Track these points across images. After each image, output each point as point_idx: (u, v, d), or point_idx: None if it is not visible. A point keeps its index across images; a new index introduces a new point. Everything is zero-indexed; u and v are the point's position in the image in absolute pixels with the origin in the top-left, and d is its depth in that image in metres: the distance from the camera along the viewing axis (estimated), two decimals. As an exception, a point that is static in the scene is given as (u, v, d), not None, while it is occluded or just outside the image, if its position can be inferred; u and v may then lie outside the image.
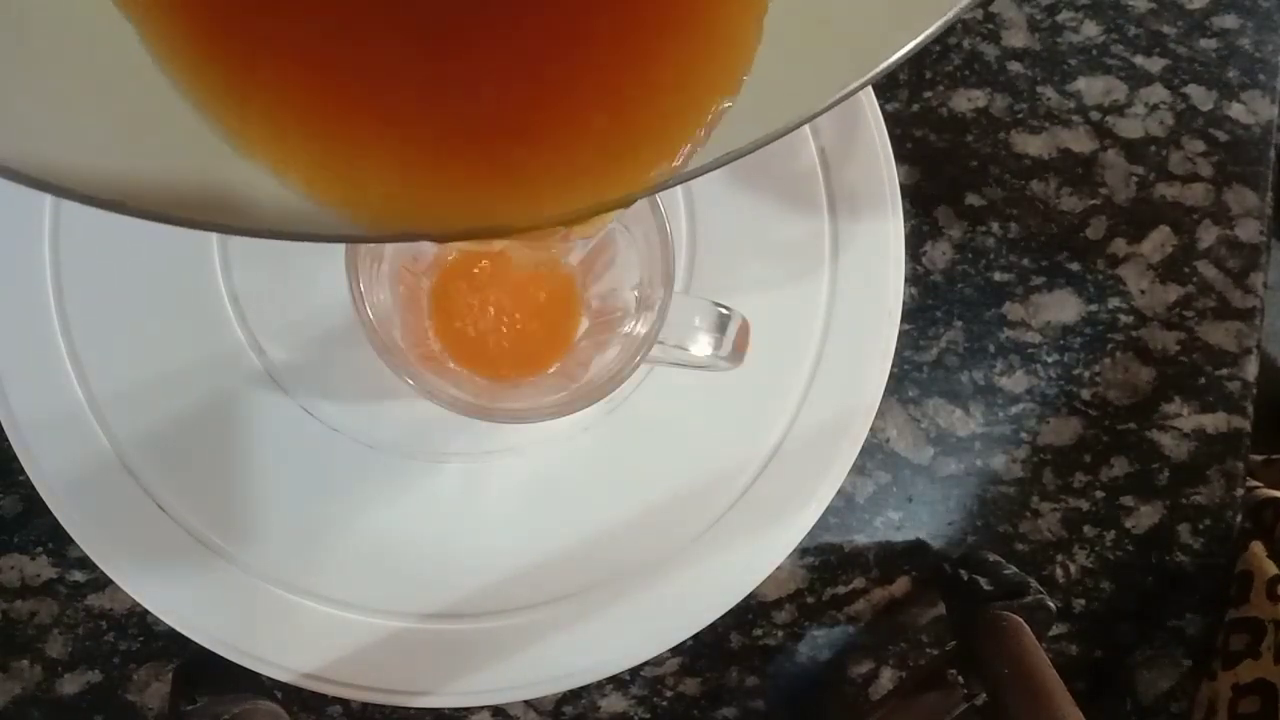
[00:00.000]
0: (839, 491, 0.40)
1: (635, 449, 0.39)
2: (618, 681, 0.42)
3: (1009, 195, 0.45)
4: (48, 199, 0.37)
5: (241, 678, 0.38)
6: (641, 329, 0.32)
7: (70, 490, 0.37)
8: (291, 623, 0.37)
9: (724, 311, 0.33)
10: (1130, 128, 0.46)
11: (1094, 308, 0.45)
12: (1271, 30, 0.46)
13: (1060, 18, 0.46)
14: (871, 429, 0.40)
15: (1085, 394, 0.45)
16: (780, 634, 0.43)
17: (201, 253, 0.38)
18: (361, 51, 0.16)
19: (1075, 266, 0.45)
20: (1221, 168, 0.46)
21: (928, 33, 0.15)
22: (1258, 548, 0.45)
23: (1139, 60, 0.46)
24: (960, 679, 0.40)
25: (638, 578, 0.39)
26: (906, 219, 0.42)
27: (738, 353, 0.33)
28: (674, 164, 0.16)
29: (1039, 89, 0.45)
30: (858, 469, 0.42)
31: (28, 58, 0.15)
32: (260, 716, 0.36)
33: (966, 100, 0.45)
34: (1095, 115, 0.46)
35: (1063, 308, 0.45)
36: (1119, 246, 0.45)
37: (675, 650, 0.41)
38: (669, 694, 0.42)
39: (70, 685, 0.40)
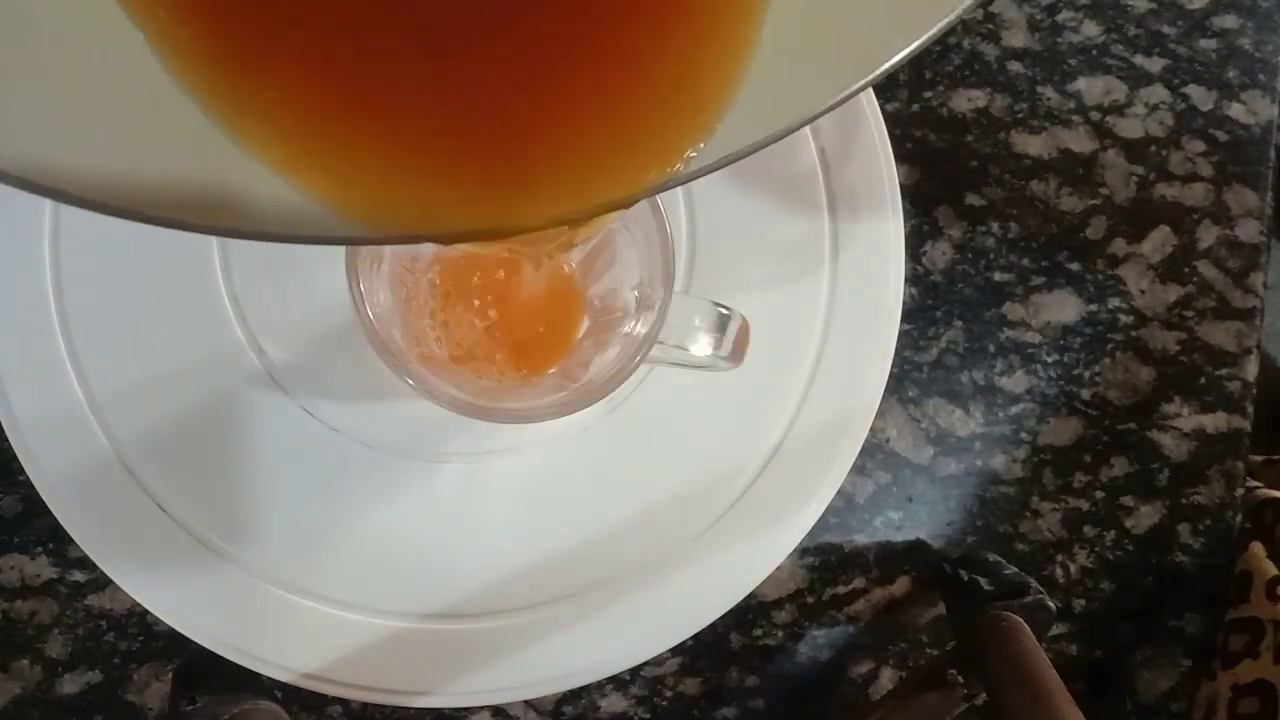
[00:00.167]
0: (839, 491, 0.40)
1: (635, 449, 0.39)
2: (618, 681, 0.42)
3: (1009, 195, 0.45)
4: (48, 199, 0.37)
5: (241, 678, 0.38)
6: (641, 329, 0.32)
7: (70, 490, 0.37)
8: (291, 623, 0.37)
9: (724, 311, 0.33)
10: (1130, 128, 0.46)
11: (1094, 308, 0.45)
12: (1271, 30, 0.46)
13: (1060, 18, 0.46)
14: (871, 429, 0.40)
15: (1085, 394, 0.45)
16: (780, 634, 0.43)
17: (202, 253, 0.38)
18: (363, 52, 0.16)
19: (1075, 266, 0.45)
20: (1221, 168, 0.46)
21: (929, 34, 0.15)
22: (1257, 548, 0.45)
23: (1139, 60, 0.46)
24: (960, 679, 0.40)
25: (638, 578, 0.39)
26: (906, 219, 0.42)
27: (738, 353, 0.33)
28: (674, 165, 0.16)
29: (1039, 89, 0.45)
30: (858, 469, 0.42)
31: (27, 58, 0.15)
32: (260, 716, 0.36)
33: (966, 100, 0.45)
34: (1095, 115, 0.46)
35: (1063, 308, 0.45)
36: (1119, 246, 0.45)
37: (675, 650, 0.41)
38: (669, 694, 0.42)
39: (70, 685, 0.40)
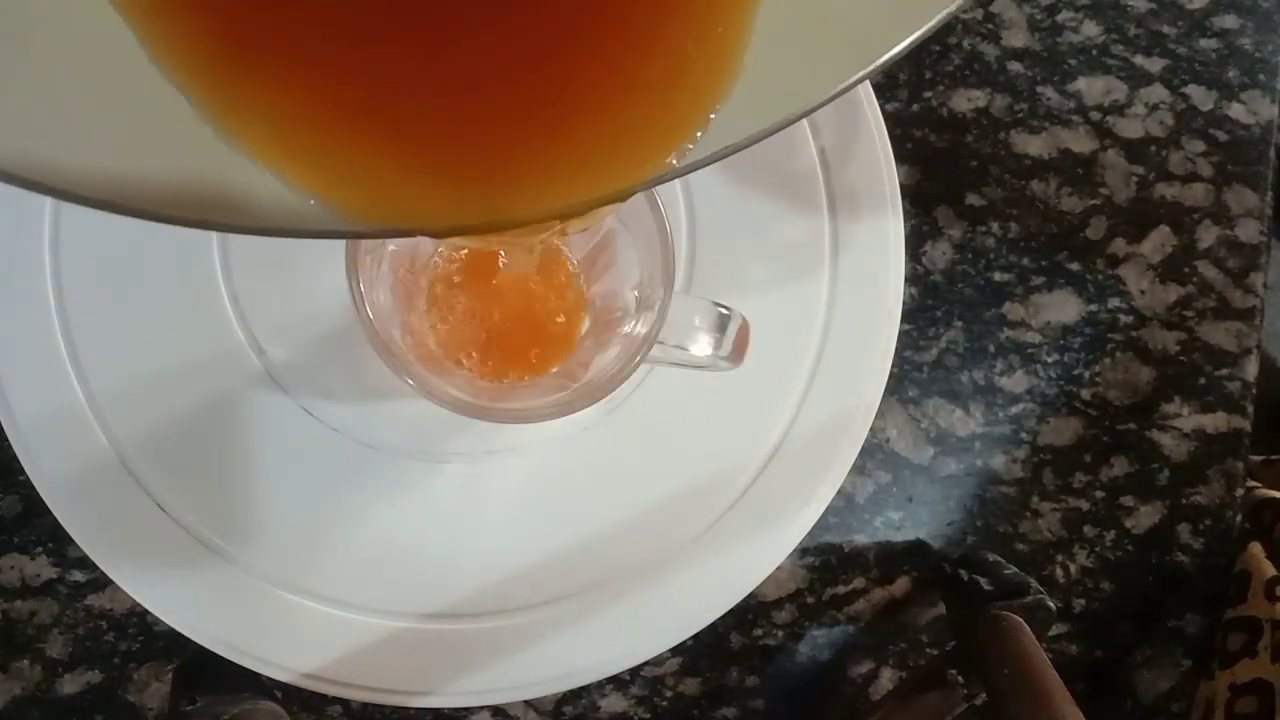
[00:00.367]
0: (839, 491, 0.40)
1: (635, 449, 0.39)
2: (618, 681, 0.42)
3: (1009, 195, 0.45)
4: (48, 199, 0.37)
5: (241, 678, 0.38)
6: (641, 329, 0.32)
7: (70, 490, 0.37)
8: (291, 623, 0.37)
9: (724, 311, 0.33)
10: (1130, 128, 0.46)
11: (1094, 308, 0.45)
12: (1271, 30, 0.46)
13: (1060, 18, 0.46)
14: (871, 429, 0.40)
15: (1085, 394, 0.45)
16: (780, 634, 0.43)
17: (202, 253, 0.38)
18: (358, 49, 0.16)
19: (1075, 266, 0.45)
20: (1221, 168, 0.46)
21: (928, 26, 0.15)
22: (1256, 548, 0.45)
23: (1139, 60, 0.46)
24: (960, 679, 0.40)
25: (638, 578, 0.39)
26: (906, 219, 0.42)
27: (738, 353, 0.33)
28: (670, 158, 0.16)
29: (1039, 89, 0.45)
30: (858, 469, 0.42)
31: (25, 58, 0.15)
32: (260, 716, 0.36)
33: (966, 100, 0.45)
34: (1095, 115, 0.46)
35: (1063, 308, 0.45)
36: (1119, 246, 0.45)
37: (675, 650, 0.41)
38: (669, 694, 0.42)
39: (70, 685, 0.40)
